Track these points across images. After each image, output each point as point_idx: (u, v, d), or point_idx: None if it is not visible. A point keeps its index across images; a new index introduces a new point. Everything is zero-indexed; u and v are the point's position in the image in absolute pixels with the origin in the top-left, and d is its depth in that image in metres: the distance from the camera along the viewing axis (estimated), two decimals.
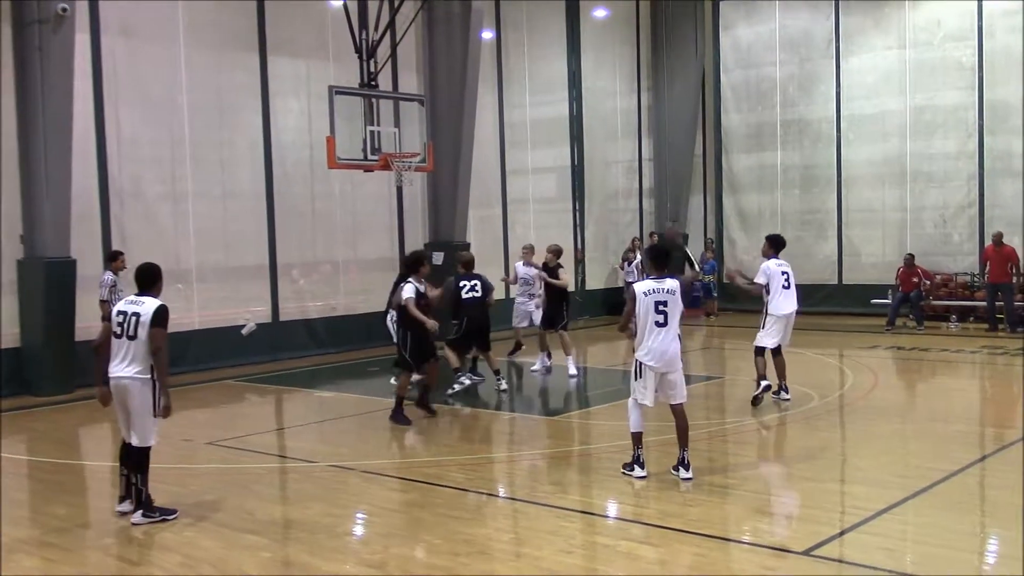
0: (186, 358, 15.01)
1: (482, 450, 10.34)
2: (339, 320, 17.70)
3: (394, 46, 16.97)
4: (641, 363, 8.41)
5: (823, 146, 22.36)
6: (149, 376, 7.53)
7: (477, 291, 12.77)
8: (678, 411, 8.55)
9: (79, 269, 13.99)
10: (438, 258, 18.62)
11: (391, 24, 16.21)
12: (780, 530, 7.04)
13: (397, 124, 15.99)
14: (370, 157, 15.47)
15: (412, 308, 10.87)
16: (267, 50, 16.66)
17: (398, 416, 11.16)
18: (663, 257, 8.83)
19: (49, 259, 13.68)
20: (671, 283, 8.44)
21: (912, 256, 19.48)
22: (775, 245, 11.95)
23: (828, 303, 20.85)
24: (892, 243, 21.15)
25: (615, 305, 22.69)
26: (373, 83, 15.87)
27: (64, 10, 13.30)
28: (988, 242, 18.60)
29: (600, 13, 23.53)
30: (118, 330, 7.64)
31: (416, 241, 19.15)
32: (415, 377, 11.61)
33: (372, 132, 15.53)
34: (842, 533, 6.97)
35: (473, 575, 6.34)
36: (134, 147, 15.15)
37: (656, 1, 24.44)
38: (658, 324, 8.31)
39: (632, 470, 8.49)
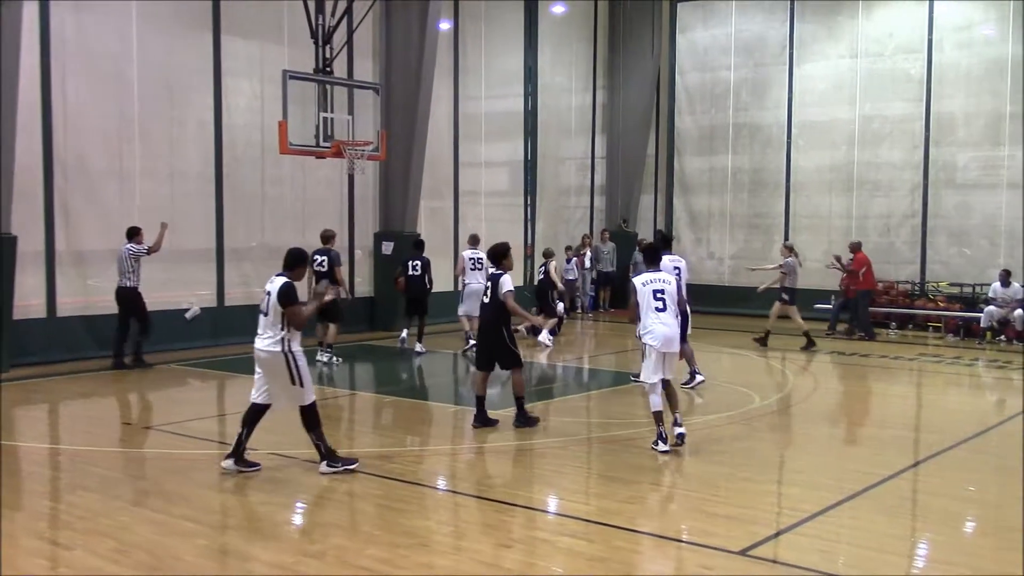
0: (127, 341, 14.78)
1: (424, 442, 10.32)
2: None
3: (350, 32, 16.86)
4: (647, 345, 9.39)
5: (773, 151, 22.64)
6: (280, 349, 8.20)
7: (324, 267, 14.42)
8: (668, 384, 9.56)
9: (20, 245, 13.69)
10: (388, 248, 18.57)
11: (348, 10, 16.10)
12: (718, 530, 7.11)
13: (351, 111, 15.92)
14: (323, 144, 15.38)
15: (512, 302, 10.26)
16: (221, 30, 16.43)
17: (527, 418, 10.45)
18: (653, 253, 10.13)
19: None
20: (666, 274, 9.81)
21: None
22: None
23: (772, 306, 21.06)
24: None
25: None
26: (328, 69, 15.76)
27: None
28: (929, 250, 18.94)
29: (558, 9, 23.61)
30: (260, 306, 8.41)
31: (366, 230, 19.07)
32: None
33: (325, 118, 15.44)
34: (778, 534, 7.08)
35: (411, 567, 6.33)
36: (81, 121, 14.82)
37: (614, 0, 24.55)
38: (658, 309, 9.40)
39: (657, 445, 9.27)
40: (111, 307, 14.62)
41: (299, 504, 7.95)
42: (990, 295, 18.17)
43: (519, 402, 10.51)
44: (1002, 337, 17.77)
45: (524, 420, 10.44)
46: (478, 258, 16.20)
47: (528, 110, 22.78)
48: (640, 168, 24.69)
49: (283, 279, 8.32)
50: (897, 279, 20.61)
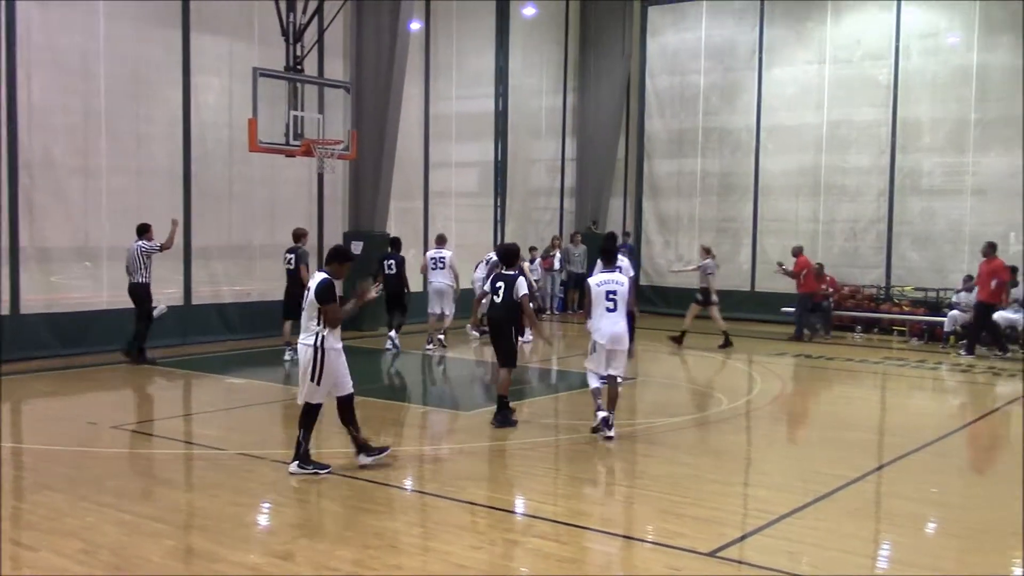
0: (93, 339, 14.64)
1: (394, 443, 10.29)
2: (253, 305, 17.41)
3: (321, 31, 16.79)
4: (595, 341, 9.86)
5: (742, 155, 22.80)
6: (311, 344, 8.39)
7: (292, 265, 14.59)
8: (612, 380, 9.93)
9: None
10: (357, 247, 18.49)
11: (319, 8, 16.03)
12: (686, 531, 7.15)
13: (321, 110, 15.87)
14: (292, 142, 15.30)
15: (528, 304, 10.52)
16: (190, 25, 16.28)
17: (506, 418, 10.51)
18: (611, 255, 10.63)
19: None
20: (620, 276, 10.13)
21: (821, 266, 20.00)
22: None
23: (740, 309, 21.22)
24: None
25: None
26: (298, 67, 15.69)
27: None
28: (894, 254, 19.18)
29: (529, 11, 23.63)
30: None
31: (336, 229, 18.99)
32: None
33: (295, 117, 15.37)
34: (745, 536, 7.13)
35: (381, 568, 6.31)
36: (46, 118, 14.62)
37: (585, 2, 24.64)
38: (608, 310, 9.84)
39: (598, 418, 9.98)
40: (75, 305, 14.46)
41: (268, 505, 7.91)
42: (954, 300, 18.40)
43: (501, 401, 10.57)
44: (965, 341, 17.98)
45: (503, 420, 10.47)
46: (440, 258, 16.65)
47: (499, 111, 22.79)
48: (610, 170, 24.78)
49: (323, 275, 8.52)
50: (863, 283, 20.83)
